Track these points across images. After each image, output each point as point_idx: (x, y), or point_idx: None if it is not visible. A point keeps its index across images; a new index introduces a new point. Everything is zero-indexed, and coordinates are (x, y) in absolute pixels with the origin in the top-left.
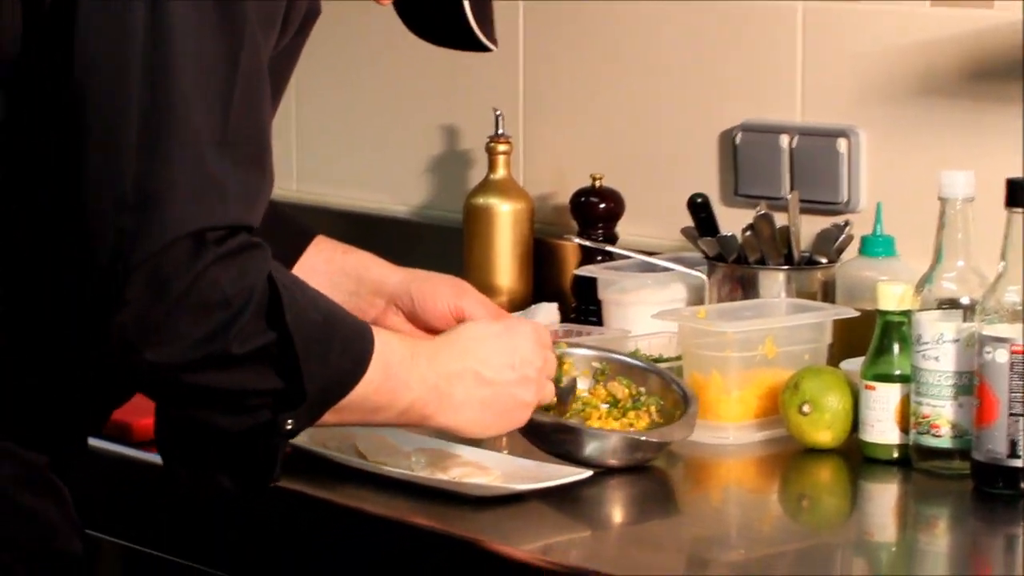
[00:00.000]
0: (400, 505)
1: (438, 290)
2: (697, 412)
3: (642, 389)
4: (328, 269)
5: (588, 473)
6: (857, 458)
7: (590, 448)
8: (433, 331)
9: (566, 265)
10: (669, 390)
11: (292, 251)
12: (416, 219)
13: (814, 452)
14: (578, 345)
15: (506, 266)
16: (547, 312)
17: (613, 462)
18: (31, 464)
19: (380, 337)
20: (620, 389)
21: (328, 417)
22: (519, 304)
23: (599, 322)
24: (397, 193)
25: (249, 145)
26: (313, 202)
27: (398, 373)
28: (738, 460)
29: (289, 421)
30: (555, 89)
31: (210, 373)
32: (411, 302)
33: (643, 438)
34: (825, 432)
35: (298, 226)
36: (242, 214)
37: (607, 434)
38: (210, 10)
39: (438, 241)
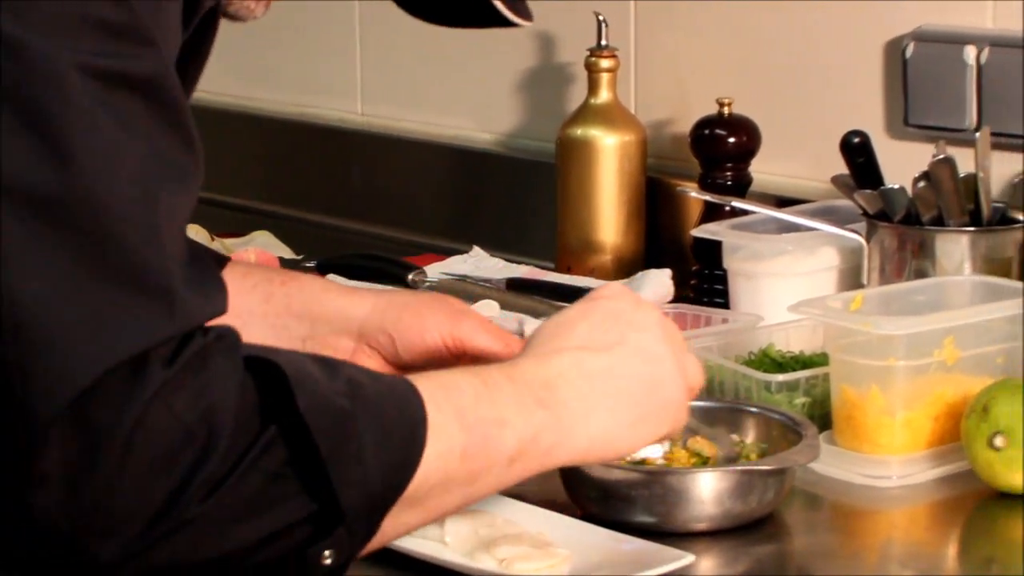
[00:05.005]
0: None
1: (425, 319)
2: (817, 434)
3: (735, 436)
4: (267, 311)
5: (690, 559)
6: None
7: (680, 501)
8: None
9: (688, 213)
10: (772, 427)
11: None
12: (502, 151)
13: (1008, 498)
14: None
15: (610, 215)
16: (656, 283)
17: (718, 518)
18: None
19: (431, 382)
20: (705, 444)
21: (409, 518)
22: (626, 266)
23: (726, 295)
24: (479, 118)
25: (181, 212)
26: (381, 128)
27: (482, 414)
28: (904, 507)
29: (327, 552)
30: None
31: (187, 539)
32: (390, 340)
33: (755, 469)
34: None
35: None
36: (199, 311)
37: (701, 474)
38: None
39: (528, 179)
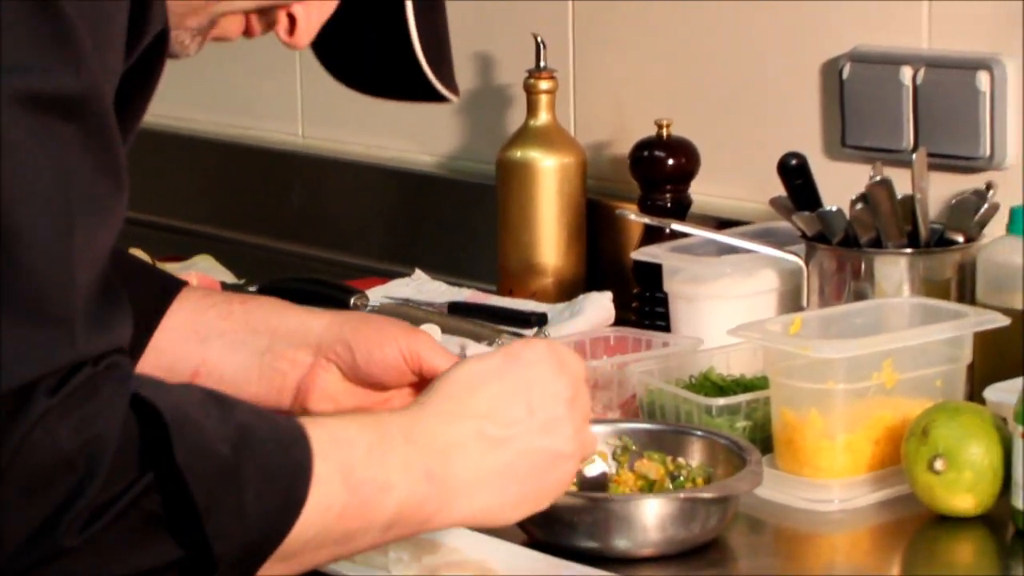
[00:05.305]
0: None
1: (383, 331)
2: (761, 460)
3: (681, 460)
4: (226, 327)
5: None
6: (1009, 531)
7: (624, 528)
8: (380, 387)
9: (629, 236)
10: (717, 451)
11: (152, 310)
12: (442, 173)
13: (950, 521)
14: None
15: (550, 237)
16: (597, 306)
17: (661, 544)
18: None
19: (325, 432)
20: (652, 467)
21: (277, 570)
22: (567, 289)
23: (667, 317)
24: (419, 141)
25: (98, 244)
26: (322, 151)
27: (368, 475)
28: (845, 531)
29: None
30: (613, 10)
31: (62, 569)
32: (348, 350)
33: (698, 496)
34: (965, 496)
35: (158, 278)
36: (95, 343)
37: (644, 500)
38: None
39: (469, 201)
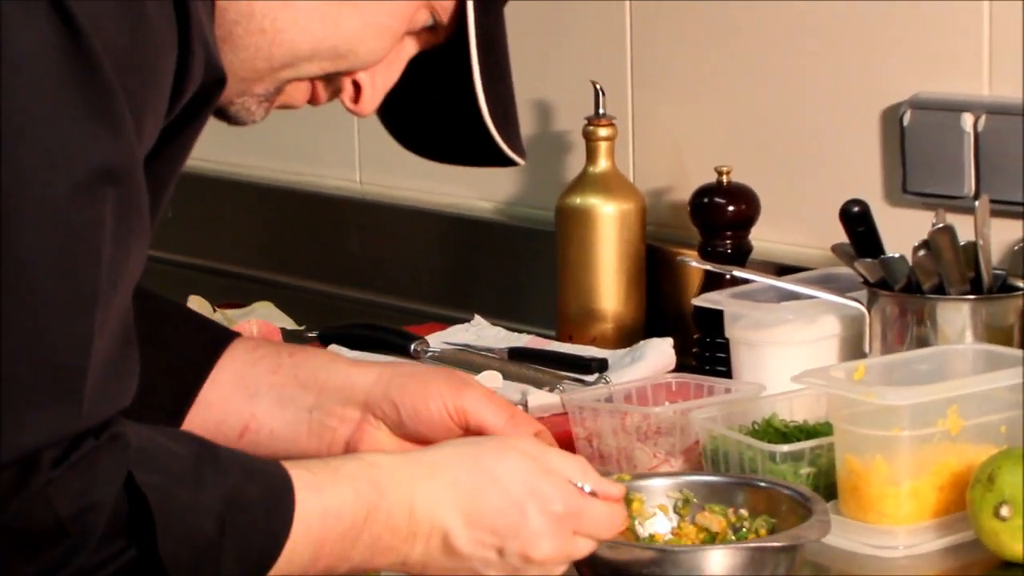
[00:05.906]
0: None
1: (429, 389)
2: (827, 509)
3: (743, 512)
4: (274, 382)
5: None
6: None
7: None
8: (430, 442)
9: (689, 281)
10: (780, 500)
11: (201, 363)
12: (501, 219)
13: (1015, 568)
14: (645, 475)
15: (610, 283)
16: (658, 352)
17: None
18: None
19: (318, 503)
20: (714, 519)
21: None
22: (627, 335)
23: (728, 364)
24: (478, 187)
25: (117, 308)
26: (380, 197)
27: (336, 550)
28: None
29: None
30: (671, 57)
31: None
32: (394, 409)
33: (767, 545)
34: None
35: (209, 329)
36: (99, 412)
37: (710, 552)
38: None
39: (528, 247)
